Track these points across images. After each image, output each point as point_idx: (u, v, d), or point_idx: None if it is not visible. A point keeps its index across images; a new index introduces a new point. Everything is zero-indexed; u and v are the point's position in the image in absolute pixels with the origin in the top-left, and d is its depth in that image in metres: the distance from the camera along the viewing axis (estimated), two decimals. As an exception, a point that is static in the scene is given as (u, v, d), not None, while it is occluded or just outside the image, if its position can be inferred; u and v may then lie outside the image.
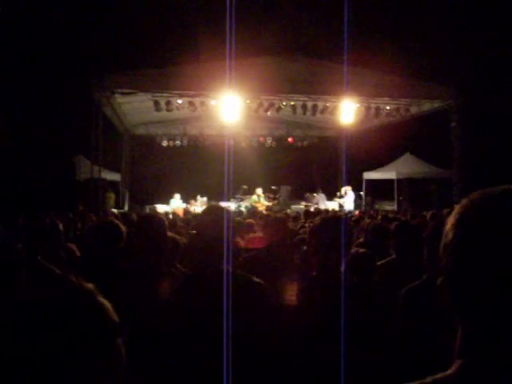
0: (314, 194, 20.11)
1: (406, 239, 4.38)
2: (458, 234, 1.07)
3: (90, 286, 1.21)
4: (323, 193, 20.14)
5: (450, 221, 1.11)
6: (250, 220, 7.70)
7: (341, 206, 18.04)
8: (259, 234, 5.00)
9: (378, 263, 4.34)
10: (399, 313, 3.10)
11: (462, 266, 1.04)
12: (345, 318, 2.35)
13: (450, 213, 1.19)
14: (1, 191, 14.71)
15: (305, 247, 4.60)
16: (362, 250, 5.33)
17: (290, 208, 18.41)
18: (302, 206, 18.69)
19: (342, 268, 2.75)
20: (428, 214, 10.04)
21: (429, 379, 1.05)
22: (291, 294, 2.82)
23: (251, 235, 5.67)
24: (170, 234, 4.09)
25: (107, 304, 1.23)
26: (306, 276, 2.92)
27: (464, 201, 1.13)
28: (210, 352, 2.04)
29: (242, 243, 5.22)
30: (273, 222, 4.49)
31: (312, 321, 2.57)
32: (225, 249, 2.43)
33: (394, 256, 4.48)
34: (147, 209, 18.43)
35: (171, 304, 2.61)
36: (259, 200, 18.06)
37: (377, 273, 4.10)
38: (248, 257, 4.23)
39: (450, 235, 1.08)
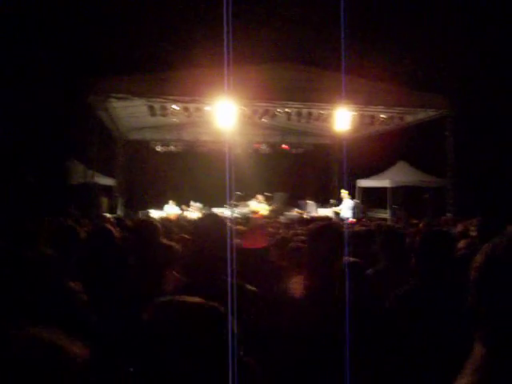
0: (307, 202, 20.18)
1: (395, 247, 4.40)
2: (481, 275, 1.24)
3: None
4: (312, 200, 20.26)
5: (477, 261, 1.27)
6: (240, 227, 7.67)
7: (336, 213, 18.05)
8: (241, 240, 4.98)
9: (369, 271, 4.33)
10: (387, 317, 3.10)
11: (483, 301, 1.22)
12: (341, 324, 2.34)
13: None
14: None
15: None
16: (352, 259, 5.31)
17: (283, 215, 18.41)
18: (294, 213, 18.75)
19: (335, 276, 2.74)
20: (421, 223, 10.04)
21: None
22: (286, 301, 2.80)
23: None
24: (165, 241, 4.07)
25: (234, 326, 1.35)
26: (299, 284, 2.90)
27: (490, 245, 1.28)
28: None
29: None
30: (257, 228, 4.49)
31: (307, 329, 2.55)
32: (223, 257, 2.40)
33: (382, 264, 4.47)
34: (140, 214, 18.37)
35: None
36: (259, 206, 18.08)
37: (367, 281, 4.09)
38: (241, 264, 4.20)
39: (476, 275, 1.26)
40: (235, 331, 1.45)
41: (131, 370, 1.40)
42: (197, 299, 1.50)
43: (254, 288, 2.66)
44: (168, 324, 1.40)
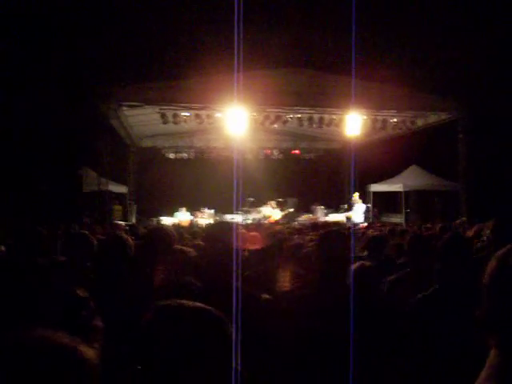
0: (316, 207, 20.20)
1: (421, 252, 4.40)
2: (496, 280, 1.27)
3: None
4: (323, 205, 20.29)
5: (490, 267, 1.30)
6: (254, 233, 7.68)
7: (348, 218, 18.00)
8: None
9: (394, 276, 4.34)
10: (410, 320, 3.11)
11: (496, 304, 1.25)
12: (354, 329, 2.34)
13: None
14: (7, 203, 14.76)
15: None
16: (367, 263, 5.31)
17: (295, 220, 18.41)
18: (305, 219, 18.77)
19: (348, 281, 2.74)
20: (437, 227, 9.98)
21: None
22: (298, 307, 2.80)
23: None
24: (179, 247, 4.08)
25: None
26: (312, 289, 2.91)
27: (503, 251, 1.31)
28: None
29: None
30: (268, 233, 4.51)
31: (321, 334, 2.56)
32: (234, 264, 2.42)
33: (408, 269, 4.47)
34: (154, 221, 18.44)
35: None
36: (272, 212, 18.11)
37: (391, 285, 4.12)
38: (252, 272, 4.22)
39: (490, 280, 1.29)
40: (232, 337, 1.48)
41: (139, 367, 1.43)
42: (195, 304, 1.54)
43: (269, 296, 2.67)
44: (165, 327, 1.45)
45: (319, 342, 2.54)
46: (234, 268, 2.47)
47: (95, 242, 4.20)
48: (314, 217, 19.38)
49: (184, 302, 1.54)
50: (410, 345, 2.92)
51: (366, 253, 5.94)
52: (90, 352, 1.18)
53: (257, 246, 5.31)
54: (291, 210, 18.96)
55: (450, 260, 3.15)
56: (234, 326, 1.91)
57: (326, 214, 19.76)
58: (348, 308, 2.44)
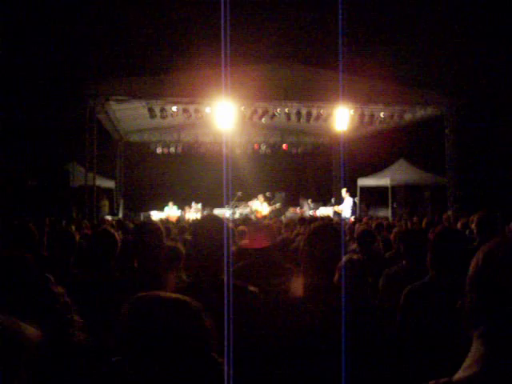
0: (304, 201, 20.24)
1: (416, 245, 4.45)
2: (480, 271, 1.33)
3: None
4: (310, 199, 20.35)
5: (475, 260, 1.35)
6: (242, 227, 7.70)
7: (336, 212, 18.04)
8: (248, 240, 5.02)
9: (390, 270, 4.38)
10: (401, 311, 3.15)
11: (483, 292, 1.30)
12: (345, 322, 2.36)
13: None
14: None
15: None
16: (355, 257, 5.36)
17: (284, 215, 18.44)
18: (291, 213, 18.82)
19: (337, 275, 2.76)
20: (423, 221, 10.05)
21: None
22: (287, 300, 2.82)
23: (243, 242, 5.68)
24: (170, 243, 4.08)
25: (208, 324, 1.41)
26: (301, 283, 2.93)
27: (486, 247, 1.36)
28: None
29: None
30: (261, 228, 4.51)
31: (311, 327, 2.57)
32: (224, 258, 2.43)
33: (404, 262, 4.51)
34: (142, 216, 18.39)
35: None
36: (261, 206, 18.09)
37: (387, 279, 4.16)
38: (243, 264, 4.23)
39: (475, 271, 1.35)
40: (208, 328, 1.51)
41: (114, 360, 1.47)
42: (172, 295, 1.56)
43: (255, 289, 2.68)
44: (141, 317, 1.48)
45: (309, 336, 2.56)
46: (225, 262, 2.48)
47: (77, 238, 4.20)
48: (301, 210, 19.43)
49: (161, 293, 1.57)
50: (400, 338, 2.96)
51: (355, 246, 5.99)
52: (32, 332, 1.29)
53: (245, 241, 5.32)
54: (278, 204, 18.96)
55: (443, 253, 3.19)
56: (225, 320, 1.92)
57: (314, 208, 19.81)
58: (339, 302, 2.45)
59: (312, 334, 2.54)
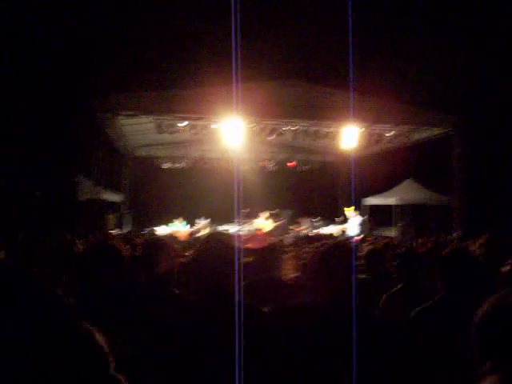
0: (304, 219, 20.15)
1: (412, 267, 4.46)
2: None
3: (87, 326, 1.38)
4: (312, 217, 20.27)
5: (484, 309, 1.43)
6: (248, 244, 7.68)
7: (343, 231, 17.96)
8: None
9: (389, 292, 4.36)
10: (411, 331, 3.14)
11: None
12: (357, 342, 2.34)
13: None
14: (2, 210, 14.69)
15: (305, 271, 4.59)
16: (362, 277, 5.34)
17: (288, 232, 18.34)
18: (292, 230, 18.75)
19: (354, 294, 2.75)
20: (430, 241, 10.00)
21: None
22: (300, 319, 2.79)
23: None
24: (179, 259, 4.07)
25: (101, 341, 1.40)
26: (312, 302, 2.90)
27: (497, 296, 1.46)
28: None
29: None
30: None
31: (324, 347, 2.55)
32: (235, 278, 2.40)
33: (399, 285, 4.49)
34: (147, 231, 18.38)
35: (183, 336, 2.56)
36: (264, 224, 18.03)
37: (386, 301, 4.14)
38: (251, 282, 4.20)
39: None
40: (101, 345, 1.50)
41: None
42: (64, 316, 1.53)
43: (267, 309, 2.66)
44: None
45: (321, 357, 2.53)
46: (237, 279, 2.45)
47: (76, 251, 4.19)
48: (302, 227, 19.32)
49: None
50: (410, 357, 2.94)
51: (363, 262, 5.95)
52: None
53: (250, 258, 5.30)
54: (282, 221, 18.87)
55: (452, 274, 3.19)
56: (236, 339, 1.89)
57: (318, 226, 19.71)
58: (350, 322, 2.44)
59: (324, 353, 2.51)
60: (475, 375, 1.40)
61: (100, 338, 1.50)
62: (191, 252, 7.18)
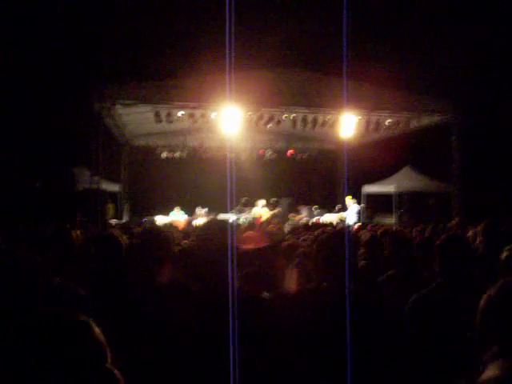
0: (303, 207, 20.15)
1: (406, 253, 4.49)
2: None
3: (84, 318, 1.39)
4: (310, 206, 20.27)
5: (489, 295, 1.47)
6: (249, 232, 7.67)
7: (341, 219, 17.96)
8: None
9: (380, 278, 4.38)
10: (409, 317, 3.16)
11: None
12: (354, 327, 2.36)
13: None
14: (0, 201, 14.69)
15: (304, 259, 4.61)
16: (362, 262, 5.36)
17: (286, 220, 18.33)
18: (292, 218, 18.74)
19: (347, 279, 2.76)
20: (427, 228, 10.01)
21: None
22: (299, 305, 2.81)
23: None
24: (177, 247, 4.07)
25: (99, 334, 1.41)
26: (310, 287, 2.92)
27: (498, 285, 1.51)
28: (219, 369, 2.04)
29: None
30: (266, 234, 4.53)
31: (322, 332, 2.57)
32: (230, 264, 2.41)
33: (393, 270, 4.51)
34: (146, 220, 18.38)
35: (180, 323, 2.58)
36: (260, 212, 18.01)
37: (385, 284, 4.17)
38: (250, 271, 4.21)
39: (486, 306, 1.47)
40: (100, 340, 1.48)
41: None
42: (63, 309, 1.52)
43: (267, 295, 2.68)
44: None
45: (320, 343, 2.55)
46: (230, 267, 2.46)
47: (78, 241, 4.19)
48: (300, 216, 19.32)
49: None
50: (407, 343, 2.96)
51: (361, 252, 5.97)
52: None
53: (250, 246, 5.31)
54: (279, 209, 18.84)
55: (450, 260, 3.21)
56: (230, 325, 1.90)
57: (317, 214, 19.71)
58: (350, 307, 2.46)
59: (320, 340, 2.53)
60: (480, 360, 1.41)
61: (97, 330, 1.49)
62: (190, 239, 7.21)
